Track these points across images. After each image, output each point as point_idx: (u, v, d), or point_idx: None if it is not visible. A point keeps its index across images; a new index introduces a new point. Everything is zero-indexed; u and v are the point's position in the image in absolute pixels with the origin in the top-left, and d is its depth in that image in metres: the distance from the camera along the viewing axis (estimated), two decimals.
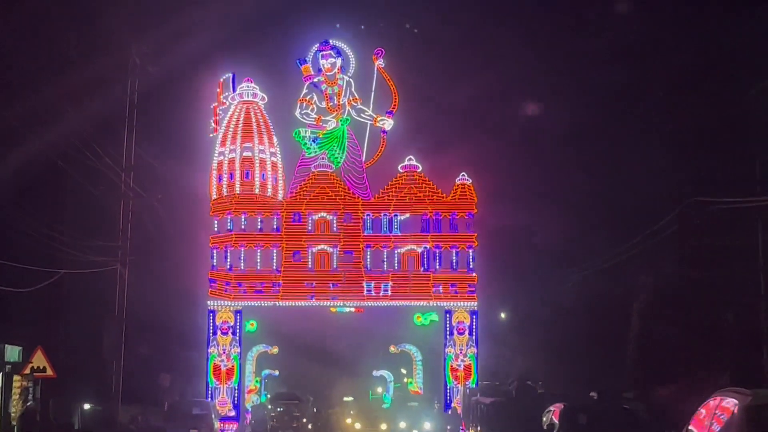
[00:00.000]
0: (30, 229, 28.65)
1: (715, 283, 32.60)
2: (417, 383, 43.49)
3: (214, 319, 39.18)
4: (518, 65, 45.26)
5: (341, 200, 39.70)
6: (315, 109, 41.38)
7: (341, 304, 39.94)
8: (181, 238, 40.20)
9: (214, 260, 39.62)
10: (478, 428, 29.10)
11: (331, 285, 39.47)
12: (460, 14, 45.48)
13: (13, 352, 29.30)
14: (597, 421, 18.90)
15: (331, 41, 41.66)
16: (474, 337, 39.63)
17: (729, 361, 32.07)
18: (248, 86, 40.46)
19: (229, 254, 39.34)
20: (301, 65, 41.53)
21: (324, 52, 41.53)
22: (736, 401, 12.26)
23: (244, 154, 39.75)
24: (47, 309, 31.97)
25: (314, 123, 41.30)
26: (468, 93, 42.67)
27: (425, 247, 39.68)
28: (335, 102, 41.35)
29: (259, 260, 39.42)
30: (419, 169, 40.32)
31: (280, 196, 40.29)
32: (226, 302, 39.22)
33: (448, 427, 36.89)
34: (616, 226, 39.07)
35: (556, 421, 20.29)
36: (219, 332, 39.06)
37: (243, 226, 39.36)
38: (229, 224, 39.50)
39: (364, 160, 41.39)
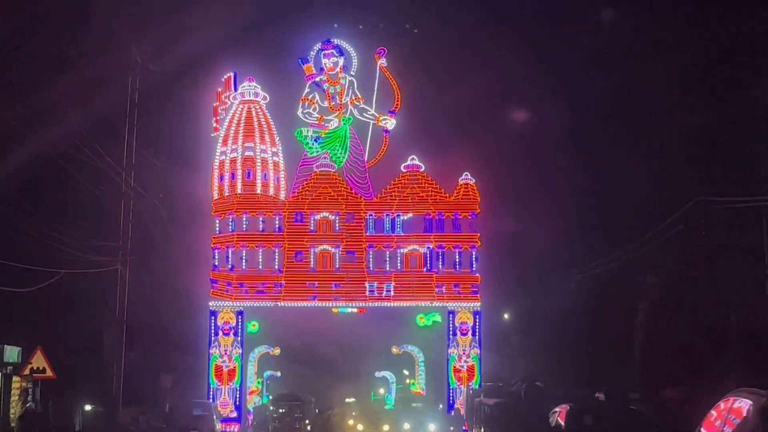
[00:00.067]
0: (30, 228, 28.51)
1: (720, 283, 32.40)
2: (419, 384, 43.31)
3: (215, 320, 39.02)
4: (521, 65, 45.04)
5: (343, 200, 39.51)
6: (317, 109, 41.20)
7: (343, 304, 39.76)
8: (182, 238, 40.01)
9: (216, 260, 39.46)
10: (482, 429, 28.89)
11: (333, 285, 39.31)
12: (462, 13, 45.25)
13: (12, 353, 29.09)
14: (603, 422, 18.69)
15: (333, 40, 41.44)
16: (477, 337, 39.46)
17: (734, 362, 31.82)
18: (250, 85, 40.28)
19: (230, 254, 39.18)
20: (303, 64, 41.34)
21: (326, 51, 41.33)
22: (750, 402, 11.96)
23: (246, 153, 39.56)
24: (47, 309, 31.84)
25: (316, 122, 41.12)
26: (471, 92, 42.43)
27: (428, 247, 39.49)
28: (337, 101, 41.17)
29: (260, 261, 39.26)
30: (422, 169, 40.13)
31: (282, 196, 40.11)
32: (227, 303, 39.07)
33: (451, 429, 36.71)
34: (620, 226, 38.87)
35: (562, 423, 20.08)
36: (221, 333, 38.91)
37: (245, 227, 39.19)
38: (230, 224, 39.33)
39: (366, 159, 41.18)
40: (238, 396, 39.06)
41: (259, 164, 39.60)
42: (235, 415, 38.65)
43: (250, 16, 39.30)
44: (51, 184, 33.67)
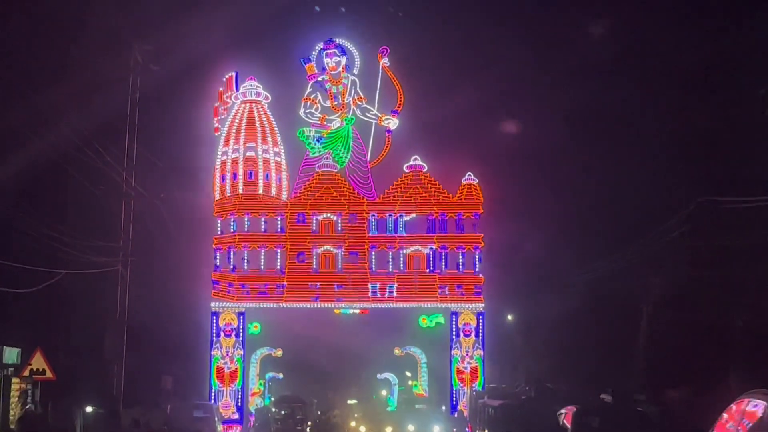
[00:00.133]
0: (30, 229, 28.34)
1: (724, 283, 32.20)
2: (422, 386, 43.11)
3: (217, 321, 38.83)
4: (524, 65, 44.83)
5: (346, 200, 39.32)
6: (319, 108, 41.02)
7: (346, 305, 39.57)
8: (183, 239, 39.80)
9: (218, 261, 39.27)
10: (486, 431, 28.68)
11: (335, 286, 39.15)
12: (466, 13, 45.04)
13: (11, 354, 28.84)
14: (610, 424, 18.44)
15: (335, 40, 41.24)
16: (480, 339, 39.26)
17: (738, 363, 31.61)
18: (251, 85, 40.10)
19: (232, 255, 38.99)
20: (305, 64, 41.16)
21: (328, 51, 41.14)
22: (765, 404, 11.68)
23: (248, 153, 39.38)
24: (47, 310, 31.63)
25: (318, 122, 40.94)
26: (474, 92, 42.18)
27: (431, 248, 39.30)
28: (340, 101, 40.99)
29: (262, 261, 39.07)
30: (425, 169, 39.94)
31: (284, 197, 39.93)
32: (229, 304, 38.88)
33: (455, 430, 36.49)
34: (624, 227, 38.66)
35: (568, 425, 19.85)
36: (222, 334, 38.71)
37: (246, 227, 39.00)
38: (232, 225, 39.15)
39: (369, 159, 41.00)
40: (239, 398, 38.88)
41: (261, 164, 39.41)
42: (236, 416, 38.49)
43: (252, 15, 39.13)
44: (51, 184, 33.51)
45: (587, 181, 42.80)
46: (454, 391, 39.12)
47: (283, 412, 38.04)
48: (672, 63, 39.26)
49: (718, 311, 32.18)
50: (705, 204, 32.20)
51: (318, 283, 39.08)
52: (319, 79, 41.14)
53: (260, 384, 42.36)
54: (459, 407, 38.35)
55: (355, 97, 41.00)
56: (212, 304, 38.91)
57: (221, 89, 40.51)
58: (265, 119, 39.89)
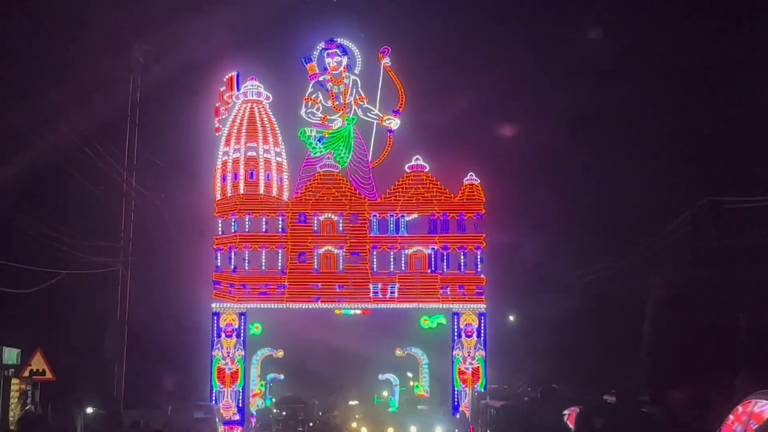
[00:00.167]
0: (31, 229, 28.26)
1: (727, 284, 32.09)
2: (423, 387, 42.97)
3: (218, 322, 38.70)
4: (526, 65, 44.70)
5: (347, 201, 39.19)
6: (320, 108, 40.90)
7: (347, 306, 39.45)
8: (184, 239, 39.70)
9: (218, 261, 39.10)
10: None
11: (337, 287, 39.02)
12: (468, 13, 44.93)
13: (11, 355, 28.75)
14: (614, 425, 18.26)
15: (336, 39, 41.13)
16: (482, 339, 39.12)
17: (741, 364, 31.50)
18: (253, 85, 39.99)
19: (233, 256, 38.85)
20: (306, 64, 41.04)
21: (329, 51, 41.04)
22: None
23: (249, 153, 39.24)
24: (47, 310, 31.53)
25: (320, 122, 40.82)
26: (476, 92, 42.09)
27: (432, 248, 39.18)
28: (341, 101, 40.88)
29: (263, 262, 38.92)
30: (426, 169, 39.82)
31: (285, 197, 39.81)
32: (230, 304, 38.75)
33: (456, 431, 36.34)
34: (627, 228, 38.58)
35: (571, 426, 19.71)
36: (223, 335, 38.59)
37: (247, 227, 38.87)
38: (233, 225, 39.00)
39: (370, 159, 40.89)
40: (240, 399, 38.74)
41: (262, 164, 39.29)
42: (237, 417, 38.37)
43: (253, 14, 38.99)
44: (52, 185, 33.43)
45: (588, 181, 42.71)
46: (456, 392, 38.99)
47: (284, 413, 37.94)
48: (672, 63, 39.22)
49: (719, 311, 32.06)
50: (706, 204, 32.16)
51: (319, 284, 38.96)
52: (321, 79, 41.03)
53: (261, 385, 42.25)
54: (461, 408, 38.22)
55: (357, 97, 40.89)
56: (213, 305, 38.77)
57: (222, 89, 40.37)
58: (266, 119, 39.78)
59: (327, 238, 38.98)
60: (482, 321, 39.18)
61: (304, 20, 43.54)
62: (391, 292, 38.95)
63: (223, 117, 40.10)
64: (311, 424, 37.94)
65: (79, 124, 30.98)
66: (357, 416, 42.12)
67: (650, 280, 36.96)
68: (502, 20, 46.24)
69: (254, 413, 40.12)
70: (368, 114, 40.86)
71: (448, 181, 39.68)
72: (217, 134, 40.13)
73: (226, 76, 40.36)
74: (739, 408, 12.79)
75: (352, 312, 39.89)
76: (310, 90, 41.02)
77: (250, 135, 39.36)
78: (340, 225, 39.04)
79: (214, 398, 38.12)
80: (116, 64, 35.63)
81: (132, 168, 35.76)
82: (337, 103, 40.89)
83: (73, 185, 33.85)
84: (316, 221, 39.00)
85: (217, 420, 35.38)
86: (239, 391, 38.66)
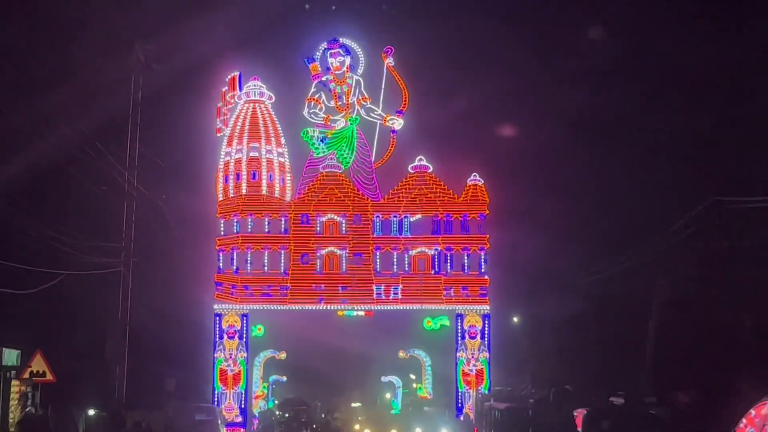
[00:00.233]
0: (32, 229, 28.09)
1: (733, 285, 31.98)
2: (426, 389, 42.74)
3: (220, 323, 38.52)
4: (531, 65, 44.64)
5: (350, 201, 38.97)
6: (323, 109, 40.71)
7: (350, 307, 39.24)
8: (186, 240, 39.51)
9: (221, 263, 38.92)
10: None
11: (340, 288, 38.80)
12: (471, 13, 44.82)
13: (11, 356, 28.58)
14: (621, 427, 18.06)
15: (339, 39, 40.94)
16: (486, 341, 38.88)
17: (747, 365, 31.33)
18: (255, 85, 39.80)
19: (235, 256, 38.65)
20: (309, 63, 40.86)
21: (332, 50, 40.85)
22: None
23: (251, 154, 39.05)
24: (48, 311, 31.35)
25: (322, 122, 40.63)
26: (479, 92, 41.95)
27: (436, 249, 38.94)
28: (344, 101, 40.68)
29: (266, 263, 38.69)
30: (430, 170, 39.58)
31: (287, 198, 39.60)
32: (232, 305, 38.56)
33: None
34: (632, 228, 38.44)
35: (578, 428, 19.50)
36: (225, 336, 38.40)
37: (250, 228, 38.66)
38: (235, 226, 38.80)
39: (373, 160, 40.69)
40: (243, 400, 38.54)
41: (264, 165, 39.10)
42: (240, 419, 38.19)
43: (256, 14, 38.89)
44: (53, 185, 33.26)
45: (592, 182, 42.66)
46: (460, 394, 38.76)
47: (287, 415, 37.76)
48: (675, 64, 39.15)
49: (723, 312, 31.95)
50: (710, 205, 32.03)
51: (322, 285, 38.75)
52: (323, 79, 40.84)
53: (264, 387, 42.04)
54: (465, 410, 38.02)
55: (360, 97, 40.70)
56: (215, 306, 38.59)
57: (224, 89, 40.19)
58: (268, 119, 39.59)
59: (330, 239, 38.78)
60: (486, 322, 38.93)
61: (307, 20, 43.45)
62: (395, 294, 38.74)
63: (225, 117, 39.91)
64: (314, 426, 37.74)
65: (81, 124, 30.80)
66: (360, 418, 41.89)
67: (654, 281, 36.84)
68: (506, 20, 46.22)
69: (257, 415, 39.93)
70: (371, 114, 40.67)
71: (452, 181, 39.48)
72: (218, 135, 39.96)
73: (228, 76, 40.17)
74: (752, 411, 12.52)
75: (355, 313, 39.67)
76: (312, 90, 40.85)
77: (253, 135, 39.17)
78: (343, 226, 38.83)
79: (216, 400, 37.94)
80: (118, 64, 35.46)
81: (134, 168, 35.54)
82: (340, 103, 40.70)
83: (75, 185, 33.71)
84: (318, 222, 38.79)
85: (219, 422, 35.17)
86: (242, 393, 38.47)
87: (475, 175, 39.37)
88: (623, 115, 41.63)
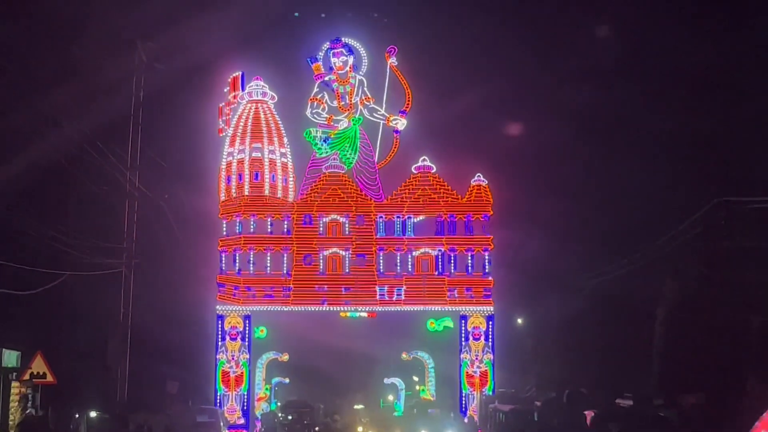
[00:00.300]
0: (33, 229, 27.90)
1: (740, 285, 31.72)
2: (429, 391, 42.57)
3: (222, 324, 38.38)
4: (535, 65, 44.46)
5: (353, 202, 38.79)
6: (326, 109, 40.54)
7: (353, 309, 39.04)
8: (188, 241, 39.29)
9: (223, 263, 38.79)
10: None
11: (343, 289, 38.63)
12: (475, 12, 44.56)
13: (11, 357, 28.40)
14: (629, 429, 17.81)
15: (342, 39, 40.75)
16: (490, 343, 38.68)
17: (755, 367, 31.09)
18: (257, 85, 39.62)
19: (237, 257, 38.51)
20: (312, 63, 40.72)
21: (335, 50, 40.69)
22: None
23: (254, 154, 38.88)
24: (48, 312, 31.12)
25: (325, 123, 40.47)
26: (483, 92, 41.70)
27: (440, 250, 38.76)
28: (347, 101, 40.51)
29: (268, 264, 38.56)
30: (433, 170, 39.41)
31: (290, 198, 39.42)
32: (234, 307, 38.41)
33: None
34: (638, 229, 38.21)
35: None
36: (228, 338, 38.24)
37: (252, 229, 38.50)
38: (238, 227, 38.66)
39: (376, 160, 40.50)
40: (245, 402, 38.40)
41: (267, 165, 38.91)
42: (242, 422, 38.05)
43: (258, 13, 38.66)
44: (54, 185, 33.02)
45: (597, 182, 42.44)
46: (464, 396, 38.59)
47: (289, 418, 37.56)
48: (682, 62, 38.94)
49: (730, 313, 31.70)
50: (717, 205, 31.82)
51: (325, 286, 38.58)
52: (326, 78, 40.68)
53: (266, 389, 41.90)
54: (468, 412, 37.83)
55: (363, 97, 40.53)
56: (217, 307, 38.47)
57: (227, 89, 40.00)
58: (271, 120, 39.41)
59: (333, 239, 38.60)
60: (490, 324, 38.75)
61: (310, 20, 43.24)
62: (398, 295, 38.57)
63: (228, 117, 39.72)
64: (317, 429, 37.54)
65: (82, 124, 30.60)
66: (363, 420, 41.68)
67: (660, 282, 36.61)
68: (510, 20, 46.05)
69: (259, 417, 39.77)
70: (374, 114, 40.48)
71: (456, 182, 39.32)
72: (221, 135, 39.77)
73: (231, 76, 40.00)
74: (765, 415, 12.19)
75: (358, 315, 39.53)
76: (315, 90, 40.70)
77: (255, 135, 38.99)
78: (346, 227, 38.65)
79: (218, 402, 37.82)
80: (120, 63, 35.28)
81: (135, 168, 35.35)
82: (343, 103, 40.53)
83: (76, 185, 33.43)
84: (321, 223, 38.62)
85: (221, 424, 35.09)
86: (244, 395, 38.35)
87: (478, 176, 39.20)
88: (627, 115, 41.45)
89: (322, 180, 39.16)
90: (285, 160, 39.57)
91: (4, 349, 28.08)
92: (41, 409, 28.57)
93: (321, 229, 38.61)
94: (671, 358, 34.89)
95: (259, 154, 38.92)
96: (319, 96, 40.61)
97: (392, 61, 40.48)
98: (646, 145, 40.37)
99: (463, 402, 38.54)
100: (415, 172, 39.44)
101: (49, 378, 25.66)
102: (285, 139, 39.61)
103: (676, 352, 34.44)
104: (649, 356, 36.16)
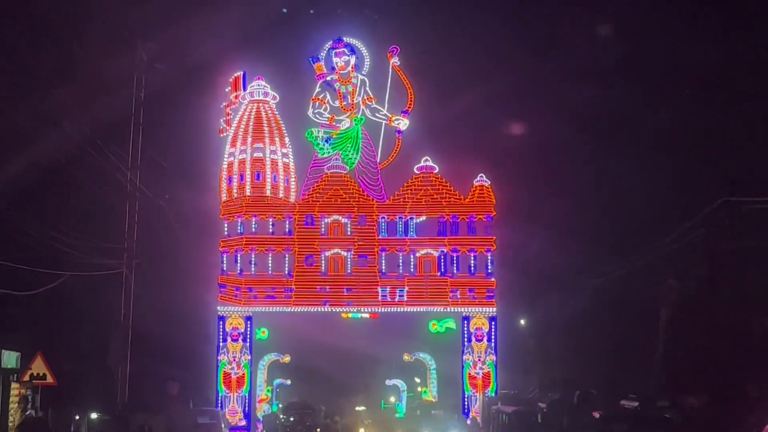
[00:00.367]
0: (33, 230, 27.83)
1: (744, 286, 31.66)
2: (431, 392, 42.42)
3: (224, 326, 38.27)
4: (538, 65, 44.34)
5: (355, 202, 38.66)
6: (328, 109, 40.40)
7: (355, 309, 38.93)
8: (189, 241, 39.20)
9: (224, 264, 38.65)
10: None
11: (345, 290, 38.52)
12: (478, 12, 44.49)
13: (11, 358, 28.29)
14: (635, 430, 17.67)
15: (344, 38, 40.62)
16: (493, 344, 38.55)
17: (758, 368, 31.00)
18: (259, 85, 39.47)
19: (239, 258, 38.40)
20: (313, 63, 40.58)
21: (337, 50, 40.53)
22: None
23: (255, 155, 38.74)
24: (49, 313, 31.05)
25: (327, 123, 40.33)
26: (486, 92, 41.58)
27: (442, 251, 38.62)
28: (349, 101, 40.37)
29: (270, 264, 38.43)
30: (436, 170, 39.26)
31: (292, 199, 39.29)
32: (236, 308, 38.30)
33: None
34: (641, 229, 38.15)
35: None
36: (229, 339, 38.13)
37: (254, 230, 38.37)
38: (239, 227, 38.53)
39: (378, 161, 40.35)
40: (247, 404, 38.32)
41: (268, 166, 38.77)
42: (244, 423, 38.00)
43: (260, 13, 38.58)
44: (55, 185, 32.97)
45: (601, 182, 42.40)
46: (466, 397, 38.47)
47: (291, 419, 37.38)
48: (686, 61, 38.89)
49: (734, 314, 31.63)
50: (721, 205, 31.75)
51: (327, 287, 38.46)
52: (328, 78, 40.55)
53: (268, 390, 41.74)
54: (471, 414, 37.70)
55: (365, 97, 40.39)
56: (219, 308, 38.36)
57: (228, 89, 39.88)
58: (272, 120, 39.28)
59: (335, 240, 38.48)
60: (493, 325, 38.60)
61: (312, 19, 43.16)
62: (400, 296, 38.47)
63: (229, 117, 39.60)
64: (318, 430, 37.40)
65: (83, 124, 30.53)
66: (365, 422, 41.52)
67: (664, 283, 36.54)
68: (512, 19, 45.95)
69: (261, 419, 39.65)
70: (377, 114, 40.34)
71: (458, 182, 39.17)
72: (222, 135, 39.65)
73: (232, 76, 39.88)
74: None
75: (360, 316, 39.40)
76: (317, 90, 40.55)
77: (257, 136, 38.86)
78: (348, 227, 38.53)
79: (219, 403, 37.74)
80: (120, 63, 35.19)
81: (136, 168, 35.26)
82: (345, 103, 40.41)
83: (77, 186, 33.35)
84: (323, 223, 38.50)
85: (222, 425, 35.00)
86: (245, 396, 38.27)
87: (481, 176, 39.06)
88: (629, 114, 41.43)
89: (324, 180, 39.04)
90: (287, 161, 39.44)
91: (3, 350, 27.98)
92: (41, 410, 28.45)
93: (323, 229, 38.49)
94: (673, 359, 34.81)
95: (261, 155, 38.77)
96: (321, 96, 40.48)
97: (394, 60, 40.32)
98: (648, 144, 40.29)
99: (466, 403, 38.42)
100: (417, 172, 39.30)
101: (49, 379, 25.61)
102: (287, 139, 39.47)
103: (679, 353, 34.37)
104: (652, 357, 36.08)
